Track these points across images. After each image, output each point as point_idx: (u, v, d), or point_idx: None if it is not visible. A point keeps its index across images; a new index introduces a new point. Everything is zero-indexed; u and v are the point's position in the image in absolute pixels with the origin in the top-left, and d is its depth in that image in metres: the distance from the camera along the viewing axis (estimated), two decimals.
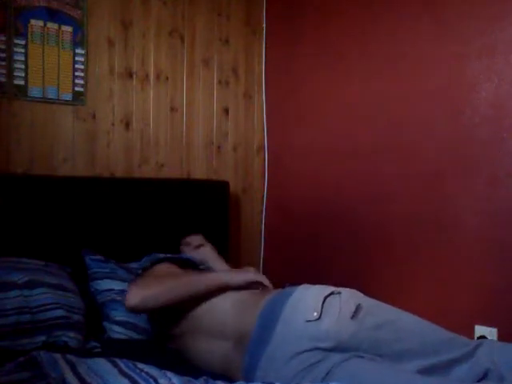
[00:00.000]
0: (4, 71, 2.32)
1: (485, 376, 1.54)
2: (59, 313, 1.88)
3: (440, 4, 2.37)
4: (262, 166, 3.14)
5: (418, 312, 1.77)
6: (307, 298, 1.65)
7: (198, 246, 2.24)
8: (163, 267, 1.94)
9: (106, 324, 2.04)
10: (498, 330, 2.17)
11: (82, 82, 2.51)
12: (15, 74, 2.35)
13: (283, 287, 1.77)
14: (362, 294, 1.72)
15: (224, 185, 2.82)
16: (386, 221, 2.56)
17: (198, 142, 2.91)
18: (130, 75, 2.67)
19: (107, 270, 2.18)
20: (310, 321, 1.58)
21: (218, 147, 2.98)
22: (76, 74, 2.50)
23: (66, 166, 2.48)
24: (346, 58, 2.73)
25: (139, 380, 1.28)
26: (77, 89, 2.50)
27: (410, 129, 2.47)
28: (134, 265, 2.32)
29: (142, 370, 1.33)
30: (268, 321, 1.62)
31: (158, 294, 1.73)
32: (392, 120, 2.54)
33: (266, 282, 1.80)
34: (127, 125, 2.66)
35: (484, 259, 2.24)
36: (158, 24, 2.75)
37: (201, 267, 2.08)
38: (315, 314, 1.59)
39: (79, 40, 2.50)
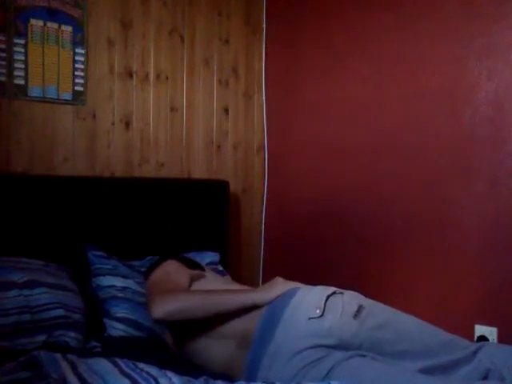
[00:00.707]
0: (4, 71, 2.31)
1: (485, 377, 1.55)
2: (59, 312, 1.88)
3: (440, 4, 2.37)
4: (261, 166, 3.14)
5: (418, 312, 1.77)
6: (309, 298, 1.65)
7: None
8: (174, 266, 1.93)
9: (106, 321, 2.04)
10: (498, 330, 2.18)
11: (82, 81, 2.51)
12: (15, 73, 2.34)
13: None
14: (363, 296, 1.72)
15: (224, 184, 2.82)
16: (386, 220, 2.56)
17: (198, 141, 2.91)
18: (130, 75, 2.67)
19: (109, 267, 2.18)
20: (312, 318, 1.59)
21: (218, 147, 2.99)
22: (76, 73, 2.50)
23: (66, 166, 2.48)
24: (346, 58, 2.73)
25: (140, 380, 1.28)
26: (77, 88, 2.50)
27: (410, 129, 2.48)
28: (135, 263, 2.33)
29: (142, 370, 1.33)
30: (270, 321, 1.63)
31: (186, 310, 1.68)
32: (392, 120, 2.54)
33: (299, 285, 1.77)
34: (127, 124, 2.66)
35: (484, 259, 2.24)
36: (158, 24, 2.75)
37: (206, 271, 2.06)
38: (318, 311, 1.60)
39: (79, 40, 2.50)
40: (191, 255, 2.28)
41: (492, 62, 2.22)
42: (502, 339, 2.14)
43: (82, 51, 2.51)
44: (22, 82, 2.36)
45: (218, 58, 2.97)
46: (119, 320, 2.03)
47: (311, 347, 1.54)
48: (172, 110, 2.81)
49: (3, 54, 2.31)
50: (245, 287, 1.96)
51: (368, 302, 1.69)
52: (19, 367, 1.32)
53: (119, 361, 1.37)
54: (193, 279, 1.89)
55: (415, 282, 2.45)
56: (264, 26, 3.11)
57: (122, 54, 2.64)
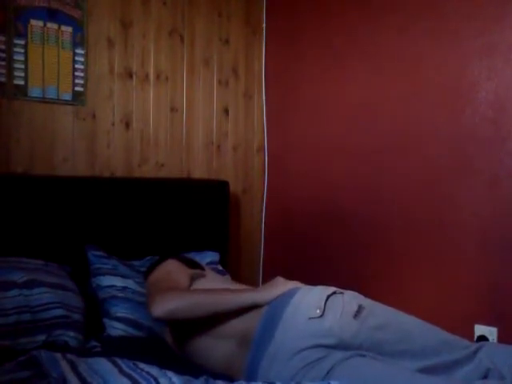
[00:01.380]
0: (4, 71, 2.31)
1: (485, 377, 1.55)
2: (59, 312, 1.88)
3: (440, 4, 2.37)
4: (261, 166, 3.14)
5: (418, 311, 1.77)
6: (310, 298, 1.66)
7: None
8: (174, 265, 1.93)
9: (105, 321, 2.04)
10: (498, 330, 2.18)
11: (81, 81, 2.52)
12: (15, 73, 2.34)
13: None
14: (363, 296, 1.73)
15: (224, 185, 2.82)
16: (386, 220, 2.56)
17: (198, 141, 2.91)
18: (130, 75, 2.67)
19: (109, 267, 2.18)
20: (312, 318, 1.59)
21: (218, 147, 2.99)
22: (76, 73, 2.50)
23: (66, 166, 2.48)
24: (346, 58, 2.73)
25: (140, 379, 1.28)
26: (77, 89, 2.50)
27: (410, 129, 2.48)
28: (135, 263, 2.33)
29: (142, 370, 1.33)
30: (271, 320, 1.63)
31: (186, 308, 1.68)
32: (392, 120, 2.54)
33: (300, 285, 1.77)
34: (127, 125, 2.66)
35: (484, 259, 2.24)
36: (157, 24, 2.75)
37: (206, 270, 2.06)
38: (318, 311, 1.60)
39: (79, 40, 2.50)
40: (191, 255, 2.28)
41: (492, 62, 2.22)
42: (501, 339, 2.14)
43: (82, 51, 2.51)
44: (22, 82, 2.36)
45: (217, 59, 2.97)
46: (119, 320, 2.03)
47: (311, 347, 1.54)
48: (172, 110, 2.81)
49: (3, 55, 2.31)
50: (244, 287, 1.96)
51: (368, 302, 1.69)
52: (19, 367, 1.32)
53: (119, 360, 1.37)
54: (193, 278, 1.89)
55: (415, 281, 2.45)
56: (264, 26, 3.12)
57: (121, 55, 2.64)
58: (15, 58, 2.34)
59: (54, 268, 2.09)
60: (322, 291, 1.68)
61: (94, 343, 1.93)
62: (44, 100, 2.42)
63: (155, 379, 1.28)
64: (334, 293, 1.68)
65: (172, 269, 1.91)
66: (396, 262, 2.52)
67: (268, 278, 1.90)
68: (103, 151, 2.59)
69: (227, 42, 3.01)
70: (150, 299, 1.72)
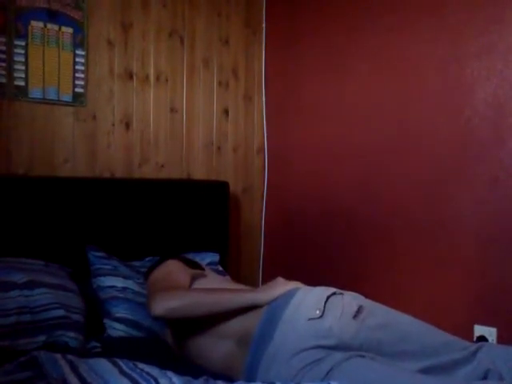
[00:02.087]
0: (4, 72, 2.32)
1: (485, 377, 1.55)
2: (59, 313, 1.88)
3: (439, 4, 2.37)
4: (261, 167, 3.15)
5: (418, 312, 1.77)
6: (309, 299, 1.66)
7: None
8: (175, 265, 1.93)
9: (106, 321, 2.04)
10: (498, 330, 2.18)
11: (82, 83, 2.52)
12: (15, 74, 2.35)
13: None
14: (363, 297, 1.73)
15: (224, 185, 2.82)
16: (386, 220, 2.56)
17: (198, 142, 2.91)
18: (130, 76, 2.67)
19: (110, 267, 2.19)
20: (312, 319, 1.59)
21: (218, 148, 2.99)
22: (76, 75, 2.50)
23: (67, 167, 2.48)
24: (346, 58, 2.73)
25: (140, 380, 1.28)
26: (77, 90, 2.51)
27: (410, 129, 2.48)
28: (136, 264, 2.33)
29: (142, 370, 1.33)
30: (270, 321, 1.63)
31: (186, 307, 1.68)
32: (391, 120, 2.54)
33: (300, 286, 1.77)
34: (127, 125, 2.66)
35: (484, 259, 2.24)
36: (157, 25, 2.75)
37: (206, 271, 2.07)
38: (317, 312, 1.60)
39: (79, 41, 2.50)
40: (191, 255, 2.28)
41: (491, 62, 2.23)
42: (501, 339, 2.14)
43: (83, 53, 2.51)
44: (23, 83, 2.37)
45: (217, 59, 2.97)
46: (119, 320, 2.03)
47: (311, 348, 1.54)
48: (172, 111, 2.81)
49: (3, 56, 2.31)
50: (244, 287, 1.97)
51: (368, 303, 1.69)
52: (19, 367, 1.32)
53: (119, 361, 1.37)
54: (193, 278, 1.89)
55: (415, 281, 2.45)
56: (264, 26, 3.12)
57: (122, 56, 2.64)
58: (15, 59, 2.34)
59: (54, 269, 2.09)
60: (321, 292, 1.68)
61: (95, 344, 1.93)
62: (44, 101, 2.43)
63: (155, 379, 1.28)
64: (334, 293, 1.68)
65: (172, 269, 1.91)
66: (396, 261, 2.52)
67: (268, 278, 1.91)
68: (103, 152, 2.59)
69: (227, 42, 3.01)
70: (150, 298, 1.73)
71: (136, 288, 2.13)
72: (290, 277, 1.82)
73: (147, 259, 2.39)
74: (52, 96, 2.44)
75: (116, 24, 2.62)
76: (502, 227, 2.19)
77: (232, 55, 3.04)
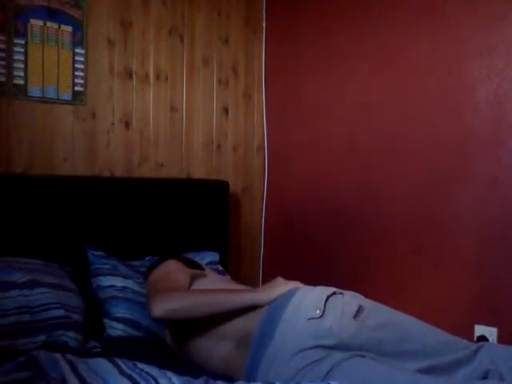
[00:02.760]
0: (4, 71, 2.31)
1: (485, 377, 1.55)
2: (59, 312, 1.88)
3: (440, 4, 2.37)
4: (261, 166, 3.14)
5: (418, 312, 1.77)
6: (309, 298, 1.65)
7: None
8: (174, 265, 1.93)
9: (106, 321, 2.04)
10: (498, 330, 2.18)
11: (81, 81, 2.51)
12: (15, 73, 2.34)
13: None
14: (363, 297, 1.72)
15: (224, 184, 2.82)
16: (386, 220, 2.56)
17: (198, 141, 2.91)
18: (130, 75, 2.67)
19: (109, 267, 2.18)
20: (312, 318, 1.59)
21: (218, 146, 2.98)
22: (76, 73, 2.50)
23: (66, 166, 2.48)
24: (346, 57, 2.73)
25: (139, 380, 1.27)
26: (76, 88, 2.50)
27: (410, 128, 2.48)
28: (135, 263, 2.33)
29: (142, 370, 1.33)
30: (270, 321, 1.63)
31: (186, 308, 1.68)
32: (392, 120, 2.54)
33: (300, 285, 1.77)
34: (127, 124, 2.66)
35: (484, 259, 2.24)
36: (157, 23, 2.75)
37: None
38: (317, 311, 1.60)
39: (79, 39, 2.50)
40: (191, 255, 2.28)
41: (492, 62, 2.22)
42: (501, 339, 2.14)
43: (82, 51, 2.51)
44: (22, 81, 2.36)
45: (217, 58, 2.97)
46: (119, 320, 2.03)
47: (311, 348, 1.54)
48: (172, 109, 2.81)
49: (3, 54, 2.31)
50: (244, 287, 1.96)
51: (368, 303, 1.69)
52: (19, 367, 1.32)
53: (119, 361, 1.37)
54: (193, 278, 1.89)
55: (415, 281, 2.45)
56: (264, 25, 3.11)
57: (121, 54, 2.64)
58: (15, 57, 2.34)
59: (53, 268, 2.09)
60: (321, 292, 1.68)
61: (94, 343, 1.93)
62: (44, 100, 2.42)
63: (155, 379, 1.28)
64: (334, 293, 1.68)
65: (172, 269, 1.90)
66: (396, 261, 2.52)
67: (268, 277, 1.90)
68: (103, 151, 2.59)
69: (227, 41, 3.01)
70: (149, 299, 1.72)
71: (136, 287, 2.13)
72: (289, 277, 1.82)
73: (147, 258, 2.39)
74: (51, 95, 2.44)
75: (115, 22, 2.61)
76: (502, 227, 2.19)
77: (232, 54, 3.03)
